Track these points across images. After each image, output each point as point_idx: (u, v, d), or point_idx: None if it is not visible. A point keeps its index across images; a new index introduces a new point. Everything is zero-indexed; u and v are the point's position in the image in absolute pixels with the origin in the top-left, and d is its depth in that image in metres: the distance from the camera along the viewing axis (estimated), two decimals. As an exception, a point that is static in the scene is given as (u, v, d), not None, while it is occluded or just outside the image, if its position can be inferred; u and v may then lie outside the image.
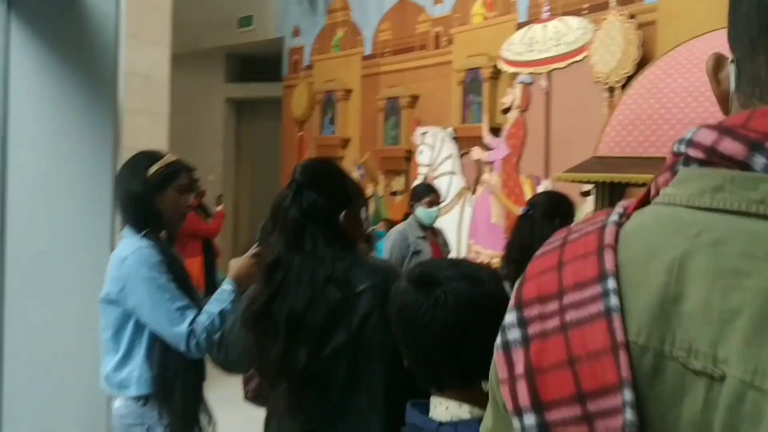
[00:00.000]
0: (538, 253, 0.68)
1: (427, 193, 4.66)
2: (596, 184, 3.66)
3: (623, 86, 5.35)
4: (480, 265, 1.35)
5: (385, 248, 4.57)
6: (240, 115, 11.07)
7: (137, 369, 2.20)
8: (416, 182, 7.35)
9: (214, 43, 10.20)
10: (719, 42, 2.79)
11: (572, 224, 0.70)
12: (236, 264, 2.35)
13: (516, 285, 0.67)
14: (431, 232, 4.70)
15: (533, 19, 6.32)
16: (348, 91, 8.51)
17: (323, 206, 1.77)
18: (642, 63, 5.19)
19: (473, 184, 6.87)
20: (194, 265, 6.46)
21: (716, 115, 2.63)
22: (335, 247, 1.76)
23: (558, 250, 0.66)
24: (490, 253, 6.72)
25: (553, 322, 0.61)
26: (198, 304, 2.30)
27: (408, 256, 4.44)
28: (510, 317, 0.64)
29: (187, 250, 6.16)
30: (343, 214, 1.80)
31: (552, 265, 0.65)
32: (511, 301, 0.65)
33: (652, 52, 5.22)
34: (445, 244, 4.90)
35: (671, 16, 5.11)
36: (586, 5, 5.87)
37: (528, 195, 6.31)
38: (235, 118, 11.04)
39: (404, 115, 7.72)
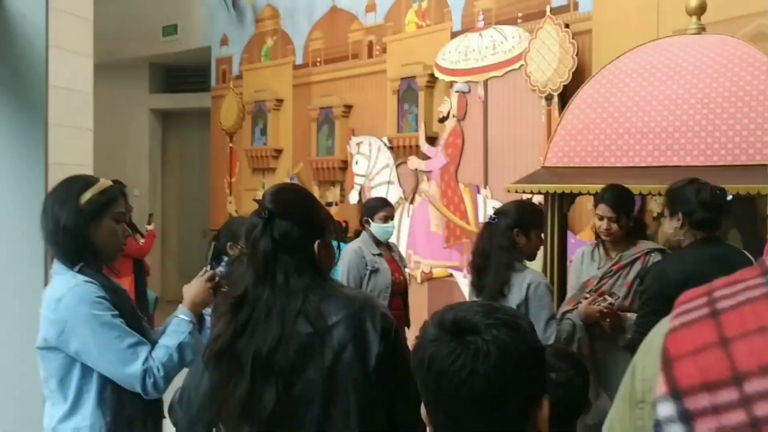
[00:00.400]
0: (675, 324, 0.56)
1: (382, 208, 4.40)
2: (546, 194, 3.63)
3: (560, 94, 5.40)
4: (513, 309, 1.23)
5: (341, 269, 4.26)
6: (166, 127, 10.71)
7: (88, 418, 1.98)
8: (353, 193, 7.27)
9: (137, 53, 9.85)
10: (663, 51, 2.80)
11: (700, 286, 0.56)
12: (190, 290, 2.18)
13: (654, 362, 0.54)
14: (386, 248, 4.47)
15: (468, 27, 6.32)
16: (279, 101, 8.34)
17: (297, 236, 1.65)
18: (578, 71, 5.25)
19: (411, 193, 6.82)
20: (124, 286, 6.15)
21: (662, 125, 2.63)
22: (308, 278, 1.65)
23: (710, 322, 0.54)
24: (430, 263, 6.68)
25: (737, 417, 0.49)
26: (149, 338, 2.11)
27: (366, 276, 4.22)
28: (665, 410, 0.52)
29: (116, 269, 5.84)
30: (317, 243, 1.69)
31: (710, 341, 0.53)
32: (661, 388, 0.52)
33: (588, 60, 5.28)
34: (401, 258, 4.68)
35: (606, 25, 5.18)
36: (520, 14, 5.90)
37: (468, 204, 6.30)
38: (161, 130, 10.68)
39: (338, 124, 7.60)
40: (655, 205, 4.78)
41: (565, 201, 3.66)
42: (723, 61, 3.42)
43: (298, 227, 1.66)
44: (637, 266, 3.20)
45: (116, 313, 2.02)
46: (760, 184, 3.06)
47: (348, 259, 4.25)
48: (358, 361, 1.60)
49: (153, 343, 2.08)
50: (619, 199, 3.22)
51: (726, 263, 2.62)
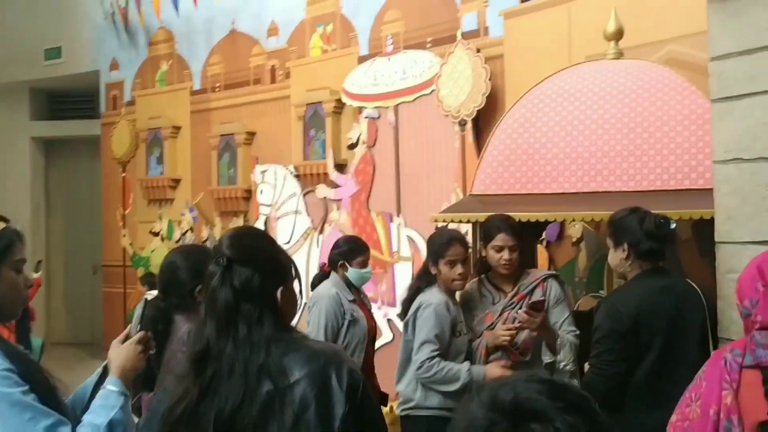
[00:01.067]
0: None
1: (362, 251, 3.89)
2: (475, 223, 3.47)
3: (474, 120, 5.32)
4: (579, 388, 0.98)
5: (313, 319, 3.62)
6: (50, 157, 9.95)
7: None
8: (258, 223, 6.93)
9: (16, 77, 9.14)
10: (585, 75, 2.70)
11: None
12: (119, 354, 1.87)
13: None
14: (356, 292, 3.89)
15: (375, 52, 6.18)
16: (176, 128, 7.92)
17: (258, 283, 1.54)
18: (491, 96, 5.19)
19: (320, 223, 6.56)
20: (4, 335, 5.56)
21: (590, 150, 2.51)
22: (271, 328, 1.53)
23: None
24: (342, 295, 6.43)
25: None
26: (67, 414, 1.75)
27: (344, 326, 3.63)
28: None
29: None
30: (280, 290, 1.56)
31: None
32: None
33: (501, 85, 5.23)
34: (369, 303, 4.17)
35: (518, 50, 5.15)
36: (429, 39, 5.81)
37: (381, 233, 6.11)
38: (44, 160, 9.90)
39: (240, 152, 7.27)
40: (573, 231, 4.75)
41: (493, 230, 3.51)
42: (646, 86, 3.40)
43: (260, 274, 1.54)
44: (538, 293, 3.10)
45: (26, 388, 1.66)
46: (692, 209, 3.02)
47: (323, 307, 3.61)
48: (321, 421, 1.46)
49: (74, 419, 1.73)
50: (517, 227, 3.11)
51: (675, 295, 2.60)
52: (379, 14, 6.23)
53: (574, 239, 4.74)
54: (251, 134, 7.22)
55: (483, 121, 5.35)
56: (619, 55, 3.73)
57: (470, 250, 3.38)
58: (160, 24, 8.03)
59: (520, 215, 3.29)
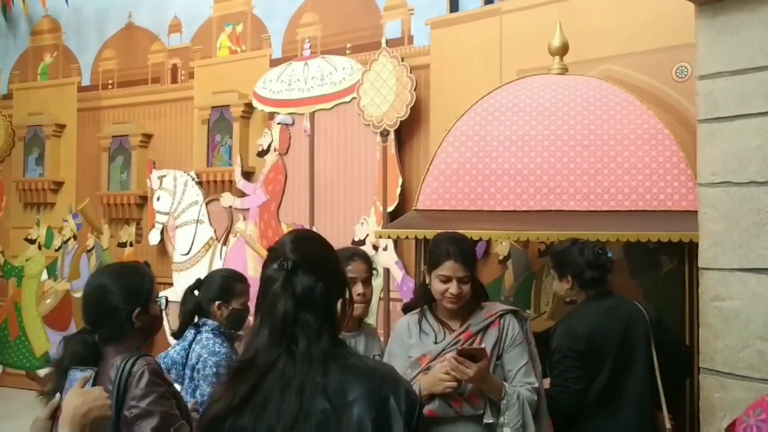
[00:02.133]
0: None
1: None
2: (423, 240, 3.25)
3: (397, 130, 5.13)
4: None
5: None
6: None
7: None
8: (153, 232, 6.42)
9: None
10: (534, 89, 2.54)
11: None
12: (75, 398, 1.55)
13: None
14: None
15: (291, 55, 5.87)
16: (60, 126, 7.24)
17: (321, 293, 1.44)
18: (415, 107, 5.02)
19: (224, 234, 6.14)
20: None
21: (543, 167, 2.34)
22: (327, 343, 1.43)
23: None
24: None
25: None
26: None
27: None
28: None
29: None
30: (340, 302, 1.48)
31: None
32: None
33: (425, 96, 5.06)
34: None
35: (445, 61, 5.01)
36: (349, 45, 5.57)
37: (292, 246, 5.78)
38: None
39: (135, 155, 6.73)
40: (500, 249, 4.63)
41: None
42: (597, 103, 3.32)
43: (323, 283, 1.45)
44: (493, 333, 2.43)
45: None
46: (649, 232, 2.95)
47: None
48: None
49: None
50: (471, 253, 2.48)
51: (622, 314, 2.79)
52: (295, 16, 5.94)
53: (501, 257, 4.63)
54: (148, 136, 6.71)
55: (406, 133, 5.17)
56: (564, 70, 3.65)
57: (374, 272, 2.77)
58: (46, 12, 7.34)
59: (472, 233, 3.09)
